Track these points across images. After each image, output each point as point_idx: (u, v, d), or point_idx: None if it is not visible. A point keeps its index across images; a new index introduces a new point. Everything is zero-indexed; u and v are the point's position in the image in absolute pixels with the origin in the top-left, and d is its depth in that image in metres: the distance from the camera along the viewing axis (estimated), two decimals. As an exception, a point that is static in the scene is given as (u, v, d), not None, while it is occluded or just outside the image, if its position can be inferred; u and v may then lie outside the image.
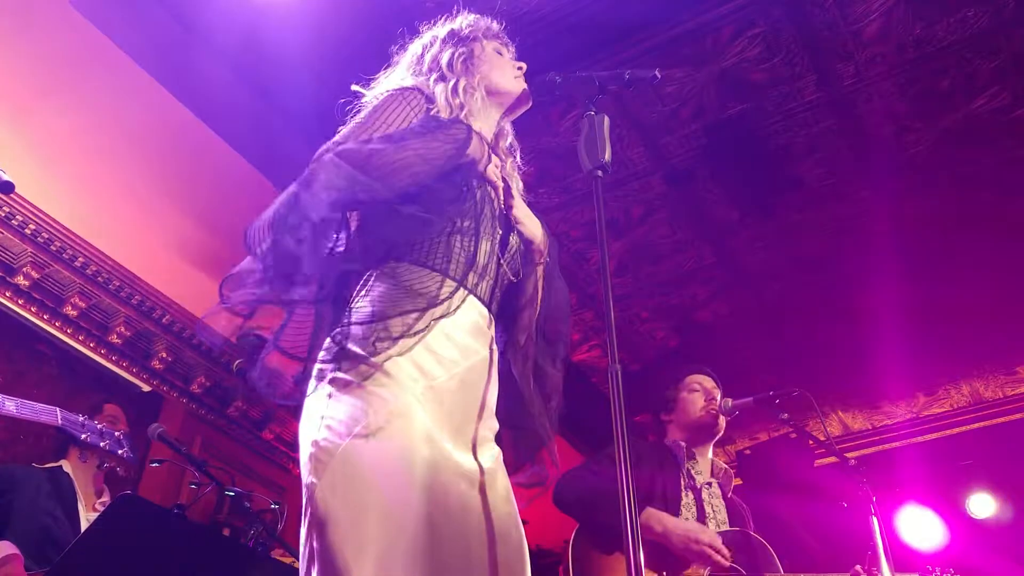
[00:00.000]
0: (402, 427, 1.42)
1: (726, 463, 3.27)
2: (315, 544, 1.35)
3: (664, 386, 3.28)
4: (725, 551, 2.74)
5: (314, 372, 1.54)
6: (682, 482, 3.00)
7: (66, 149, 3.97)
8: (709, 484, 3.07)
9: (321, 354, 1.53)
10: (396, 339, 1.47)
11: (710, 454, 3.16)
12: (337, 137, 1.64)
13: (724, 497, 3.08)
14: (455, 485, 1.45)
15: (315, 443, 1.42)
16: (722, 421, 3.13)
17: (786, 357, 5.78)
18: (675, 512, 2.89)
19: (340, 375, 1.47)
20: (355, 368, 1.46)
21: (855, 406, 6.40)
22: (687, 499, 2.98)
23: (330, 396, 1.46)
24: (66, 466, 3.30)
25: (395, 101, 1.70)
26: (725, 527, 2.97)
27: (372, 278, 1.59)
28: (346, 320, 1.53)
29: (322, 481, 1.38)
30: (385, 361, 1.46)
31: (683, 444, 3.09)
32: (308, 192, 1.48)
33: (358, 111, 1.80)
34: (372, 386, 1.44)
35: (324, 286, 1.52)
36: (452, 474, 1.45)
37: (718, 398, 3.17)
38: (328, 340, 1.53)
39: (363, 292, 1.58)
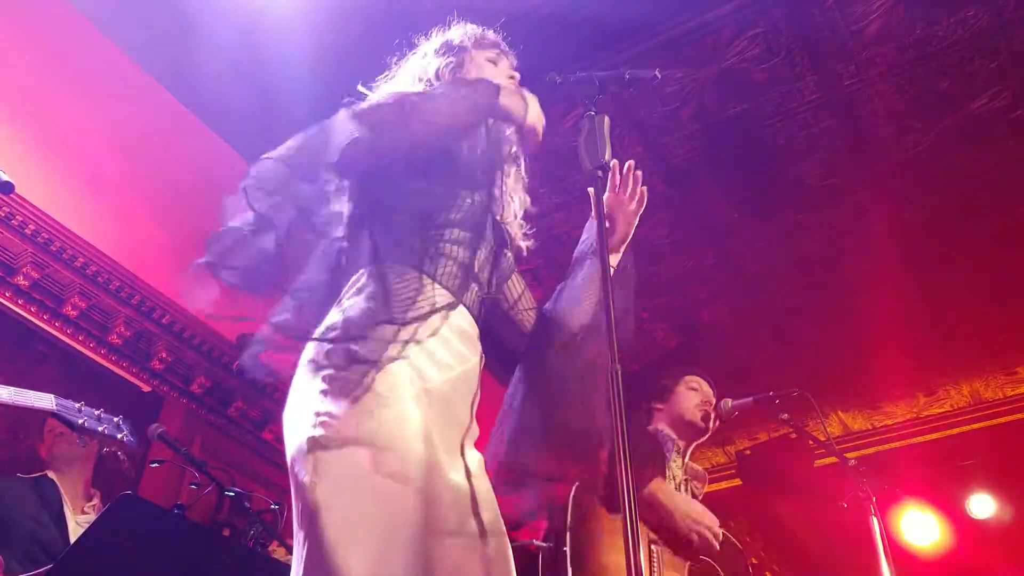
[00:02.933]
0: (401, 428, 1.42)
1: (726, 463, 3.27)
2: (312, 542, 1.35)
3: (663, 375, 3.27)
4: (719, 534, 2.79)
5: (304, 363, 1.53)
6: (668, 474, 3.00)
7: (66, 149, 3.97)
8: (685, 482, 3.08)
9: (312, 346, 1.52)
10: (389, 344, 1.47)
11: (688, 454, 3.16)
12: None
13: (696, 498, 3.09)
14: (448, 488, 1.45)
15: (312, 440, 1.42)
16: (711, 427, 3.13)
17: (786, 357, 5.78)
18: None
19: (334, 372, 1.46)
20: (351, 365, 1.46)
21: (855, 406, 6.40)
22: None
23: (324, 392, 1.45)
24: (51, 474, 3.31)
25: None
26: None
27: (364, 275, 1.58)
28: (340, 318, 1.52)
29: (324, 480, 1.37)
30: (384, 361, 1.46)
31: (672, 437, 3.09)
32: (325, 131, 1.53)
33: None
34: (371, 385, 1.44)
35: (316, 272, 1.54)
36: (445, 477, 1.45)
37: (713, 404, 3.16)
38: (321, 334, 1.52)
39: (356, 288, 1.57)
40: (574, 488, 2.80)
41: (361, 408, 1.42)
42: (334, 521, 1.34)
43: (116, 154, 4.04)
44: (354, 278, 1.59)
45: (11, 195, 3.10)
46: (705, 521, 2.79)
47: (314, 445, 1.41)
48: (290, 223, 1.53)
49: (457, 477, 1.49)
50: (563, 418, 1.74)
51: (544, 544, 2.75)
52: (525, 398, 1.80)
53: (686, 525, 2.77)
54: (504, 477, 1.74)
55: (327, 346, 1.49)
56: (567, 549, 2.66)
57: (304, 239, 1.58)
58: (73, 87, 3.76)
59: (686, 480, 3.08)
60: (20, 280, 4.08)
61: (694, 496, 3.08)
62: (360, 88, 1.88)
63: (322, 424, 1.42)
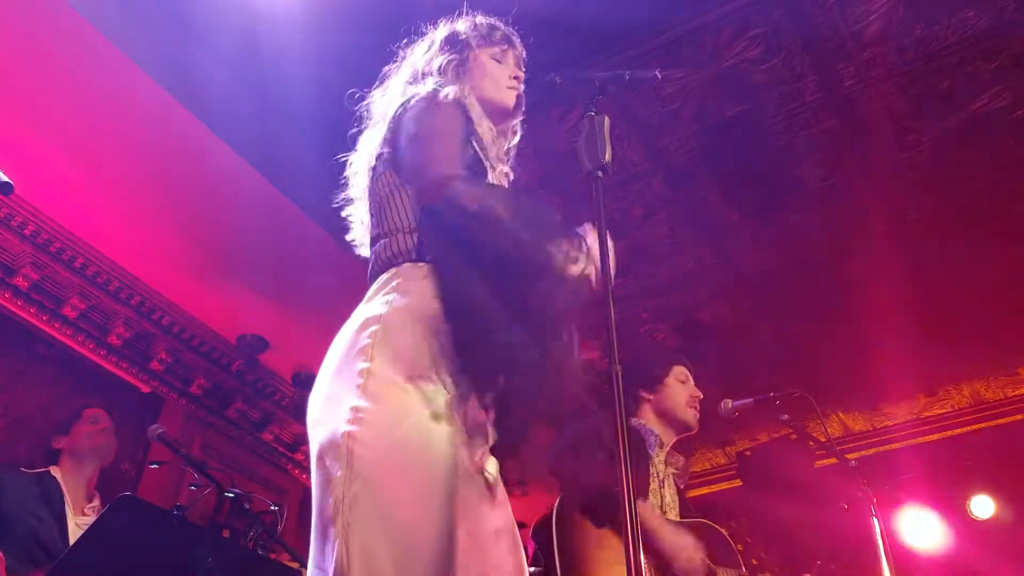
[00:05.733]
0: (433, 432, 1.42)
1: (726, 464, 3.26)
2: (341, 537, 1.34)
3: (652, 363, 3.23)
4: (701, 559, 2.71)
5: (338, 354, 1.52)
6: (651, 470, 2.98)
7: (65, 150, 3.97)
8: (670, 476, 3.06)
9: (347, 338, 1.52)
10: (428, 344, 1.47)
11: (669, 447, 3.14)
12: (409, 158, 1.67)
13: (678, 489, 3.07)
14: (475, 494, 1.46)
15: (349, 435, 1.39)
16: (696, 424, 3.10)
17: (786, 358, 5.77)
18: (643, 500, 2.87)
19: (371, 366, 1.45)
20: (391, 365, 1.45)
21: (855, 407, 6.39)
22: (653, 486, 2.95)
23: (361, 388, 1.43)
24: (55, 471, 3.32)
25: (450, 112, 1.70)
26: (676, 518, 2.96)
27: (400, 272, 1.58)
28: (380, 312, 1.52)
29: (359, 477, 1.36)
30: (420, 359, 1.46)
31: (655, 432, 3.06)
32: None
33: (367, 113, 1.85)
34: (407, 384, 1.43)
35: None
36: (472, 482, 1.47)
37: (700, 397, 3.13)
38: (356, 329, 1.52)
39: (392, 285, 1.56)
40: (557, 504, 2.77)
41: (399, 409, 1.41)
42: (365, 518, 1.33)
43: (115, 155, 4.04)
44: (388, 275, 1.59)
45: (10, 196, 3.10)
46: (688, 547, 2.71)
47: (350, 440, 1.39)
48: None
49: (483, 481, 1.50)
50: None
51: (533, 569, 2.73)
52: None
53: (672, 553, 2.68)
54: None
55: (364, 341, 1.48)
56: (558, 569, 2.63)
57: None
58: (72, 88, 3.76)
59: (670, 474, 3.05)
60: (20, 281, 4.09)
61: (676, 490, 3.06)
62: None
63: (358, 420, 1.40)
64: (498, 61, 1.92)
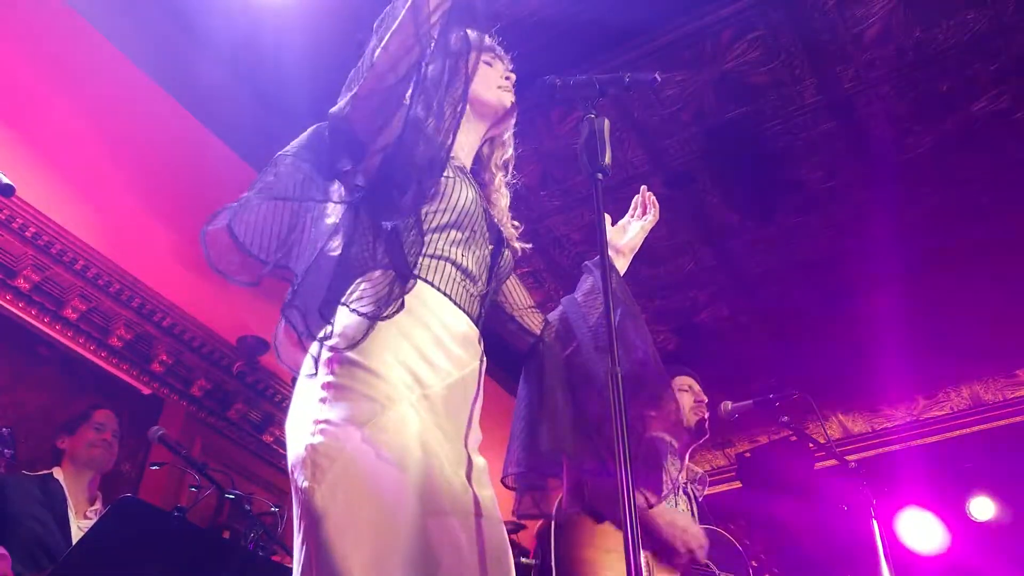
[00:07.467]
0: (399, 434, 1.42)
1: (726, 466, 3.27)
2: (313, 548, 1.36)
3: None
4: (704, 544, 2.75)
5: (304, 371, 1.54)
6: (663, 477, 2.99)
7: (66, 152, 3.98)
8: (685, 485, 3.07)
9: (312, 354, 1.53)
10: (386, 351, 1.48)
11: (686, 457, 3.15)
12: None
13: (696, 500, 3.08)
14: (447, 493, 1.45)
15: (311, 447, 1.42)
16: (707, 428, 3.10)
17: (786, 360, 5.77)
18: None
19: (334, 379, 1.47)
20: (350, 373, 1.47)
21: (855, 409, 6.40)
22: (670, 498, 2.97)
23: (323, 400, 1.46)
24: (57, 474, 3.31)
25: None
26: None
27: (361, 282, 1.59)
28: (338, 325, 1.53)
29: (322, 486, 1.38)
30: (380, 367, 1.47)
31: (668, 440, 3.06)
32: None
33: None
34: (368, 392, 1.45)
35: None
36: (445, 482, 1.46)
37: (705, 402, 3.13)
38: (319, 342, 1.53)
39: (354, 296, 1.58)
40: (557, 502, 2.78)
41: (359, 415, 1.42)
42: (332, 528, 1.34)
43: (116, 157, 4.05)
44: (352, 286, 1.60)
45: (12, 198, 3.10)
46: (691, 530, 2.75)
47: (312, 452, 1.41)
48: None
49: (458, 483, 1.49)
50: (545, 428, 1.77)
51: (533, 561, 2.74)
52: (518, 406, 1.82)
53: (671, 534, 2.72)
54: (507, 482, 1.78)
55: (326, 354, 1.50)
56: (553, 563, 2.65)
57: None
58: (73, 89, 3.76)
59: (685, 484, 3.07)
60: (21, 283, 4.08)
61: (695, 499, 3.08)
62: None
63: (320, 432, 1.42)
64: (489, 64, 1.94)
